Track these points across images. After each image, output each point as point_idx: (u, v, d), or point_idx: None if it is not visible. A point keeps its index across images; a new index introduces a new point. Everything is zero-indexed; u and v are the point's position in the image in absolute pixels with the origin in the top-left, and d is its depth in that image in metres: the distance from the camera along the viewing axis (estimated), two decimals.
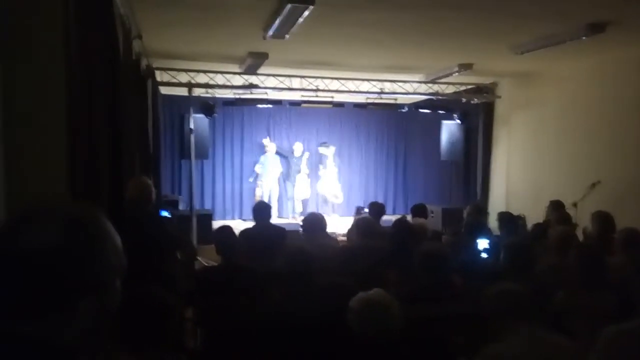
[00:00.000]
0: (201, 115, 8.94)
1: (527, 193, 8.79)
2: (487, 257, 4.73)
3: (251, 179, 11.69)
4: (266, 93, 8.87)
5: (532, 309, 2.49)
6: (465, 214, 6.45)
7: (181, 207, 9.94)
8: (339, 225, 9.47)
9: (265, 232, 5.08)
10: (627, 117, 6.99)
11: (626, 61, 6.97)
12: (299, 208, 11.73)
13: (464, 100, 9.73)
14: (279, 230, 5.20)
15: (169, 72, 8.19)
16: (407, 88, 9.35)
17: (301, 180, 11.63)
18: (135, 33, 5.37)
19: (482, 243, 4.85)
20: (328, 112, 12.02)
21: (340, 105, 9.99)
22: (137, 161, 5.12)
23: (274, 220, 8.28)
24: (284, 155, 11.73)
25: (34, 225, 1.00)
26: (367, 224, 5.02)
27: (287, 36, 5.54)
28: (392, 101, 9.59)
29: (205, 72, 8.26)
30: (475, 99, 9.73)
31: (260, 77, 8.63)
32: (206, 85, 8.43)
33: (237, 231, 4.50)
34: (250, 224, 5.63)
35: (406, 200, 12.88)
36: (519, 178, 9.28)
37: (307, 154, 11.79)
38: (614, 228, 4.74)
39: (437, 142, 10.57)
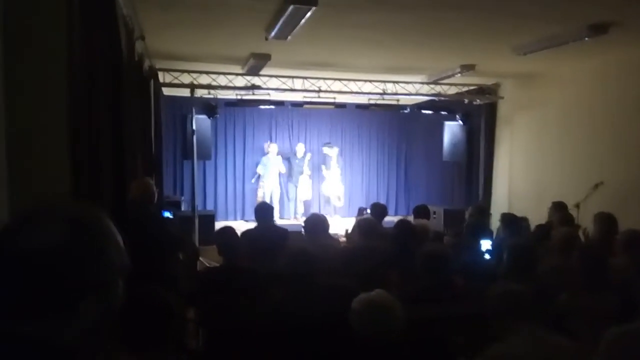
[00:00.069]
0: (203, 116, 8.95)
1: (529, 194, 8.77)
2: (490, 258, 4.73)
3: (253, 180, 11.70)
4: (268, 94, 8.87)
5: (533, 309, 2.48)
6: (468, 215, 6.45)
7: (183, 207, 9.95)
8: (341, 226, 9.47)
9: (267, 233, 5.07)
10: (630, 119, 6.98)
11: (629, 62, 6.96)
12: (300, 209, 11.74)
13: (466, 101, 9.71)
14: (281, 231, 5.20)
15: (172, 73, 8.20)
16: (409, 89, 9.34)
17: (303, 181, 11.64)
18: (138, 34, 5.38)
19: (485, 244, 4.85)
20: (330, 113, 12.03)
21: (342, 106, 10.00)
22: (139, 162, 5.13)
23: (276, 221, 8.29)
24: (286, 157, 11.74)
25: (36, 225, 1.01)
26: (369, 225, 5.02)
27: (289, 37, 5.54)
28: (394, 102, 9.59)
29: (207, 73, 8.27)
30: (478, 100, 9.72)
31: (262, 78, 8.63)
32: (208, 86, 8.44)
33: (239, 232, 4.50)
34: (252, 224, 5.63)
35: (408, 201, 12.89)
36: (522, 179, 9.26)
37: (309, 155, 11.80)
38: (616, 229, 4.73)
39: (439, 143, 10.56)
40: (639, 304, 3.01)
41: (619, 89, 7.18)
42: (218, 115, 9.22)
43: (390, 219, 7.26)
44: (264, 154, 11.61)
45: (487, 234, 5.21)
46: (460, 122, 10.07)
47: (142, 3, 4.80)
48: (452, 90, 9.66)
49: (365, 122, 12.74)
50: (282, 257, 3.58)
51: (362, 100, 9.85)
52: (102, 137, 3.17)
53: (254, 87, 8.70)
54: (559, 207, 6.02)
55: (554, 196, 6.54)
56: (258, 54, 7.05)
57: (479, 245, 4.79)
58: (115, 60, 3.84)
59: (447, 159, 10.45)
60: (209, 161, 10.96)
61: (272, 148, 11.52)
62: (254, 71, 8.09)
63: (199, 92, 8.63)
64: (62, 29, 2.57)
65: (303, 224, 5.07)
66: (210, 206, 11.63)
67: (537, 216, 6.35)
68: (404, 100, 9.79)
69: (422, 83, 9.30)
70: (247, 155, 12.08)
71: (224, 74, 8.31)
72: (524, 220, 5.85)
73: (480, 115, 9.99)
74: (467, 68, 7.79)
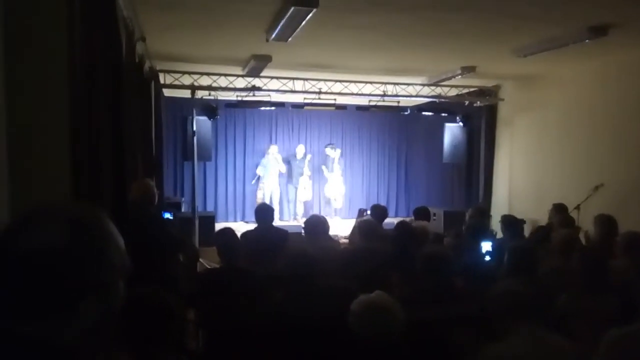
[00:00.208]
0: (204, 118, 8.95)
1: (529, 196, 8.77)
2: (490, 260, 4.72)
3: (253, 182, 11.70)
4: (269, 95, 8.88)
5: (533, 309, 2.48)
6: (468, 217, 6.44)
7: (184, 209, 9.95)
8: (341, 227, 9.48)
9: (267, 235, 5.07)
10: (630, 120, 6.98)
11: (629, 64, 6.96)
12: (300, 210, 11.74)
13: (466, 102, 9.72)
14: (281, 232, 5.19)
15: (172, 74, 8.21)
16: (409, 91, 9.35)
17: (304, 182, 11.64)
18: (139, 35, 5.38)
19: (485, 246, 4.84)
20: (330, 115, 12.04)
21: (342, 107, 10.00)
22: (139, 163, 5.13)
23: (276, 222, 8.29)
24: (286, 159, 11.73)
25: (36, 226, 1.01)
26: (369, 227, 5.02)
27: (290, 39, 5.54)
28: (394, 104, 9.59)
29: (208, 74, 8.28)
30: (478, 102, 9.73)
31: (263, 79, 8.64)
32: (209, 88, 8.45)
33: (239, 233, 4.49)
34: (252, 226, 5.63)
35: (408, 203, 12.89)
36: (522, 181, 9.26)
37: (309, 156, 11.80)
38: (616, 231, 4.73)
39: (439, 144, 10.56)
40: (639, 306, 3.01)
41: (619, 91, 7.18)
42: (218, 117, 9.23)
43: (391, 221, 7.26)
44: (264, 155, 11.61)
45: (488, 236, 5.20)
46: (461, 123, 10.07)
47: (143, 5, 4.80)
48: (453, 92, 9.67)
49: (366, 123, 12.74)
50: (281, 258, 3.57)
51: (363, 101, 9.85)
52: (102, 137, 3.17)
53: (254, 88, 8.71)
54: (559, 209, 6.02)
55: (554, 198, 6.55)
56: (259, 55, 7.06)
57: (479, 247, 4.78)
58: (116, 60, 3.84)
59: (448, 160, 10.45)
60: (209, 162, 10.97)
61: (272, 149, 11.52)
62: (255, 72, 8.09)
63: (200, 94, 8.64)
64: (62, 29, 2.57)
65: (303, 226, 5.06)
66: (210, 207, 11.63)
67: (538, 218, 6.36)
68: (405, 101, 9.79)
69: (423, 85, 9.31)
70: (247, 156, 12.09)
71: (224, 75, 8.32)
72: (523, 221, 5.84)
73: (481, 116, 9.99)
74: (468, 70, 7.79)
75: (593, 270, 3.36)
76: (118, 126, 3.68)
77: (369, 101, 9.53)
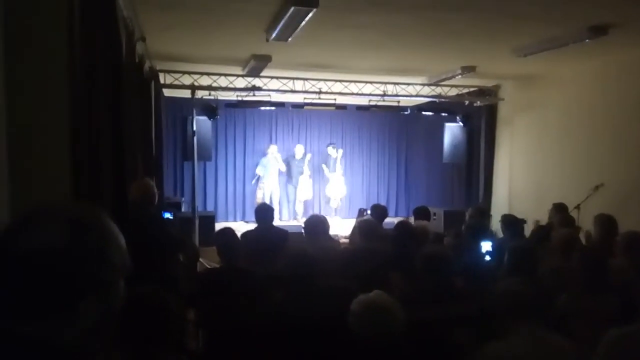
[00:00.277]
0: (204, 117, 8.95)
1: (529, 195, 8.77)
2: (490, 260, 4.72)
3: (253, 182, 11.70)
4: (269, 95, 8.88)
5: (533, 309, 2.48)
6: (468, 217, 6.44)
7: (184, 209, 9.95)
8: (341, 227, 9.48)
9: (267, 235, 5.07)
10: (630, 120, 6.98)
11: (629, 63, 6.96)
12: (300, 210, 11.73)
13: (466, 102, 9.72)
14: (281, 232, 5.19)
15: (172, 74, 8.21)
16: (409, 90, 9.35)
17: (304, 181, 11.63)
18: (139, 35, 5.38)
19: (485, 246, 4.84)
20: (331, 115, 12.04)
21: (342, 107, 10.00)
22: (139, 163, 5.13)
23: (275, 222, 8.29)
24: (285, 160, 11.71)
25: (36, 226, 1.01)
26: (369, 227, 5.02)
27: (290, 39, 5.54)
28: (394, 103, 9.59)
29: (208, 74, 8.27)
30: (478, 102, 9.73)
31: (263, 79, 8.64)
32: (209, 88, 8.45)
33: (239, 233, 4.49)
34: (252, 225, 5.63)
35: (408, 203, 12.89)
36: (522, 180, 9.26)
37: (309, 155, 11.80)
38: (616, 231, 4.72)
39: (439, 144, 10.56)
40: (639, 306, 3.01)
41: (619, 91, 7.19)
42: (218, 117, 9.23)
43: (391, 220, 7.26)
44: (264, 155, 11.61)
45: (488, 236, 5.20)
46: (461, 123, 10.07)
47: (143, 5, 4.80)
48: (453, 92, 9.67)
49: (366, 123, 12.74)
50: (281, 258, 3.57)
51: (363, 101, 9.85)
52: (102, 137, 3.17)
53: (254, 88, 8.71)
54: (559, 209, 6.02)
55: (554, 197, 6.54)
56: (259, 55, 7.06)
57: (479, 247, 4.78)
58: (116, 60, 3.84)
59: (448, 160, 10.45)
60: (209, 162, 10.97)
61: (272, 149, 11.52)
62: (255, 72, 8.10)
63: (200, 94, 8.64)
64: (62, 29, 2.57)
65: (303, 225, 5.06)
66: (210, 207, 11.62)
67: (538, 217, 6.35)
68: (405, 101, 9.80)
69: (423, 84, 9.31)
70: (247, 156, 12.09)
71: (224, 75, 8.32)
72: (524, 221, 5.84)
73: (481, 116, 9.99)
74: (468, 69, 7.80)
75: (593, 270, 3.36)
76: (118, 126, 3.68)
77: (369, 101, 9.53)
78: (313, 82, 8.83)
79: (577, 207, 6.94)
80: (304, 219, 5.87)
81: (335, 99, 9.27)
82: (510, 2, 4.71)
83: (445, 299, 3.36)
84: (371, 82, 9.10)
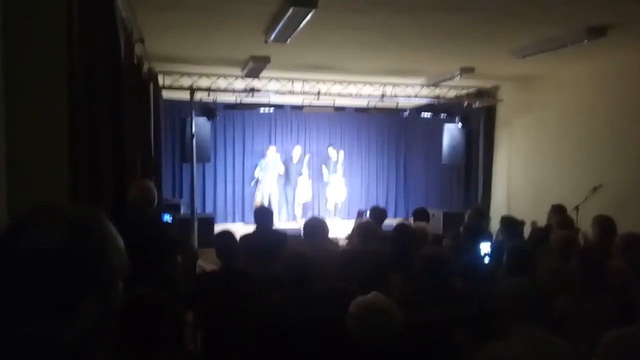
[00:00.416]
0: (203, 119, 8.96)
1: (528, 197, 8.78)
2: (489, 261, 4.72)
3: (252, 184, 11.70)
4: (268, 97, 8.88)
5: (533, 309, 2.48)
6: (466, 218, 6.44)
7: (182, 210, 9.93)
8: (340, 228, 9.47)
9: (266, 237, 5.07)
10: (628, 121, 6.99)
11: (628, 65, 6.97)
12: (299, 212, 11.72)
13: (465, 103, 9.74)
14: (280, 234, 5.19)
15: (171, 75, 8.21)
16: (408, 92, 9.36)
17: (303, 182, 11.62)
18: (137, 37, 5.38)
19: (484, 247, 4.84)
20: (329, 116, 12.05)
21: (341, 109, 10.02)
22: (138, 164, 5.13)
23: (274, 224, 8.29)
24: (284, 162, 11.70)
25: (36, 226, 1.01)
26: (368, 228, 5.02)
27: (289, 40, 5.55)
28: (393, 105, 9.61)
29: (207, 75, 8.28)
30: (477, 103, 9.74)
31: (262, 80, 8.64)
32: (208, 89, 8.45)
33: (238, 235, 4.49)
34: (251, 227, 5.63)
35: (407, 204, 12.90)
36: (521, 182, 9.27)
37: (307, 156, 11.80)
38: (615, 232, 4.73)
39: (438, 145, 10.57)
40: (638, 307, 3.01)
41: (617, 92, 7.20)
42: (217, 118, 9.24)
43: (390, 222, 7.26)
44: (263, 156, 11.61)
45: (486, 237, 5.20)
46: (460, 124, 10.09)
47: (141, 6, 4.80)
48: (451, 93, 9.68)
49: (365, 124, 12.75)
50: (280, 260, 3.57)
51: (362, 103, 9.86)
52: (101, 138, 3.17)
53: (253, 89, 8.71)
54: (558, 210, 6.01)
55: (553, 199, 6.54)
56: (257, 56, 7.06)
57: (478, 248, 4.78)
58: (115, 62, 3.84)
59: (446, 161, 10.46)
60: (208, 164, 10.98)
61: (270, 150, 11.52)
62: (254, 74, 8.10)
63: (199, 95, 8.64)
64: (62, 30, 2.57)
65: (302, 228, 5.06)
66: (209, 209, 11.62)
67: (536, 219, 6.35)
68: (403, 103, 9.81)
69: (422, 86, 9.32)
70: (246, 157, 12.08)
71: (223, 76, 8.33)
72: (523, 223, 5.84)
73: (479, 117, 10.01)
74: (467, 71, 7.80)
75: (591, 272, 3.36)
76: (117, 127, 3.68)
77: (368, 102, 9.54)
78: (312, 84, 8.85)
79: (576, 208, 6.94)
80: (303, 221, 5.87)
81: (334, 101, 9.28)
82: (509, 3, 4.72)
83: (444, 300, 3.37)
84: (370, 83, 9.11)
